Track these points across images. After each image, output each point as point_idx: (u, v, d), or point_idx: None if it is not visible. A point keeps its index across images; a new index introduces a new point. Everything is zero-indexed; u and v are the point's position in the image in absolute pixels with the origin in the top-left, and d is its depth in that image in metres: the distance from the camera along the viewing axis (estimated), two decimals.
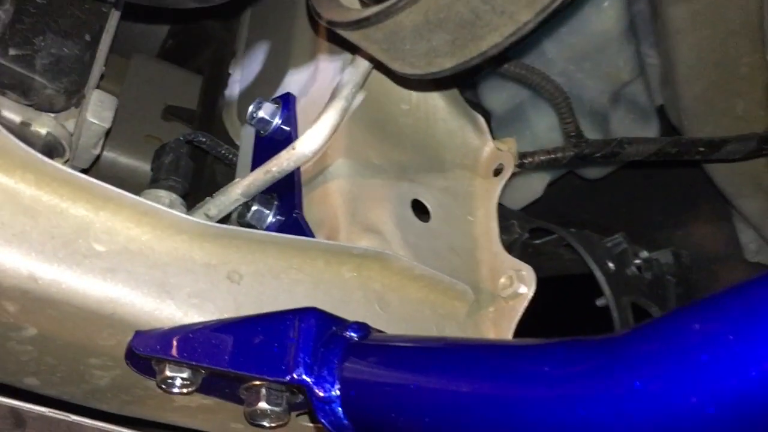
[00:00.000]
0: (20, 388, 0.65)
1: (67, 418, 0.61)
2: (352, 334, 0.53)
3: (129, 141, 1.14)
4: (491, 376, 0.40)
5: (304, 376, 0.50)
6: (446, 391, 0.43)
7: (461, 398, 0.42)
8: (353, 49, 0.69)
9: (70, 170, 0.54)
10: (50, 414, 0.60)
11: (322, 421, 0.50)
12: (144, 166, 1.12)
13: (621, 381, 0.34)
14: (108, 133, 1.09)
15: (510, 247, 1.05)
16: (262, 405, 0.59)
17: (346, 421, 0.49)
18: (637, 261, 1.24)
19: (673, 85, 1.04)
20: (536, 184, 1.17)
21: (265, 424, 0.61)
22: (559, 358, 0.38)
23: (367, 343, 0.52)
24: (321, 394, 0.50)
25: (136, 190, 0.98)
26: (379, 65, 0.67)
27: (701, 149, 0.87)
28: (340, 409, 0.49)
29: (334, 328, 0.53)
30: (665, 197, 1.34)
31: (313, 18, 0.57)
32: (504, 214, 1.06)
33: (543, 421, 0.38)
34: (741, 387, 0.31)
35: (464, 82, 0.92)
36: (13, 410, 0.59)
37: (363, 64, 0.71)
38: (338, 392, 0.50)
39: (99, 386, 0.64)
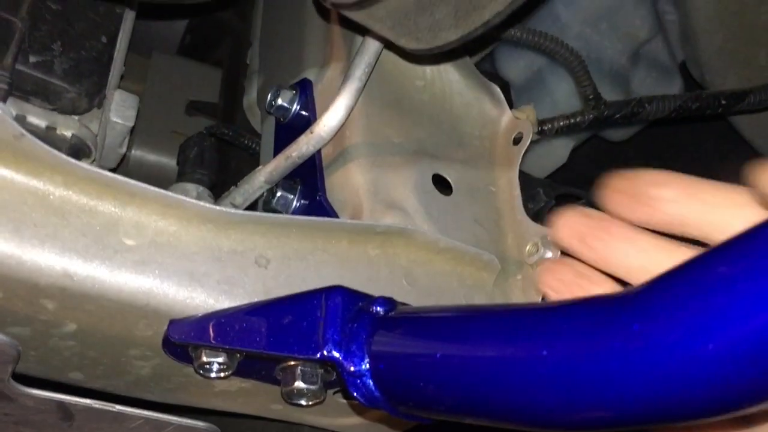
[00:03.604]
0: (66, 383, 0.67)
1: (112, 409, 0.63)
2: (379, 308, 0.54)
3: (155, 138, 1.16)
4: (509, 339, 0.41)
5: (334, 353, 0.51)
6: (468, 356, 0.44)
7: (484, 362, 0.42)
8: (363, 30, 0.69)
9: (95, 168, 0.56)
10: (96, 405, 0.63)
11: (355, 394, 0.51)
12: (171, 162, 1.14)
13: (634, 333, 0.35)
14: (132, 131, 1.12)
15: (537, 215, 1.05)
16: (298, 384, 0.61)
17: (377, 393, 0.51)
18: None
19: (692, 39, 1.03)
20: (560, 151, 1.17)
21: (303, 402, 0.63)
22: (577, 316, 0.39)
23: (393, 317, 0.53)
24: (351, 368, 0.51)
25: (166, 185, 1.00)
26: (388, 44, 0.68)
27: (723, 102, 0.86)
28: (370, 381, 0.51)
29: (360, 304, 0.54)
30: (694, 153, 1.33)
31: (319, 2, 0.58)
32: (529, 182, 1.05)
33: (566, 378, 0.39)
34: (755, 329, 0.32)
35: (475, 51, 0.91)
36: (60, 404, 0.61)
37: (373, 45, 0.72)
38: (368, 366, 0.51)
39: (141, 376, 0.66)
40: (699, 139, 1.31)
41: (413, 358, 0.48)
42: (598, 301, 0.39)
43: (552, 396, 0.40)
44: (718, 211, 0.46)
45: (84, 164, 0.55)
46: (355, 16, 0.56)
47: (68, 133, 0.66)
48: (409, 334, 0.50)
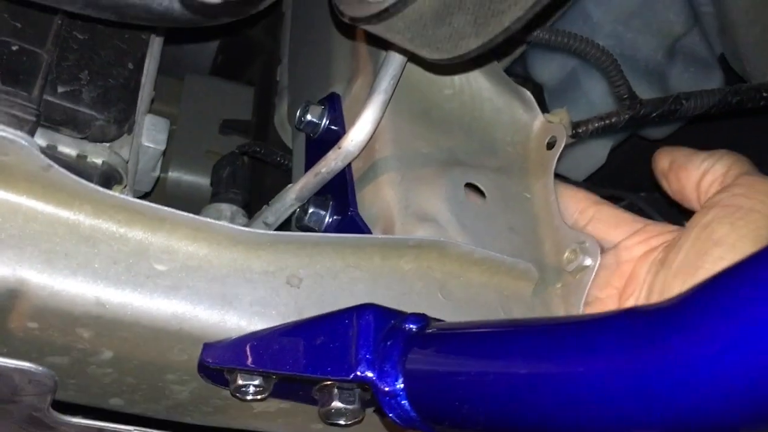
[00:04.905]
0: (108, 409, 0.68)
1: None
2: (411, 325, 0.53)
3: (191, 159, 1.17)
4: (544, 355, 0.40)
5: (367, 373, 0.51)
6: (503, 373, 0.42)
7: (519, 379, 0.41)
8: (387, 44, 0.68)
9: (123, 196, 0.56)
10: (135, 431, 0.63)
11: (390, 415, 0.50)
12: (207, 182, 1.15)
13: (673, 345, 0.33)
14: (168, 152, 1.13)
15: None
16: (336, 404, 0.60)
17: (413, 414, 0.50)
18: None
19: (730, 32, 0.99)
20: (598, 152, 1.14)
21: (341, 422, 0.62)
22: (612, 329, 0.37)
23: (426, 333, 0.52)
24: (386, 388, 0.50)
25: (203, 205, 1.01)
26: (412, 56, 0.67)
27: (765, 94, 0.83)
28: (405, 402, 0.50)
29: (392, 321, 0.53)
30: (738, 148, 1.28)
31: (339, 19, 0.58)
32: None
33: (605, 394, 0.37)
34: None
35: (503, 55, 0.90)
36: (100, 431, 0.62)
37: (398, 57, 0.71)
38: (402, 385, 0.50)
39: (180, 401, 0.66)
40: (742, 134, 1.26)
41: (448, 376, 0.47)
42: (634, 313, 0.38)
43: (591, 414, 0.38)
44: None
45: (111, 192, 0.55)
46: (374, 29, 0.55)
47: (99, 161, 0.66)
48: (443, 351, 0.49)
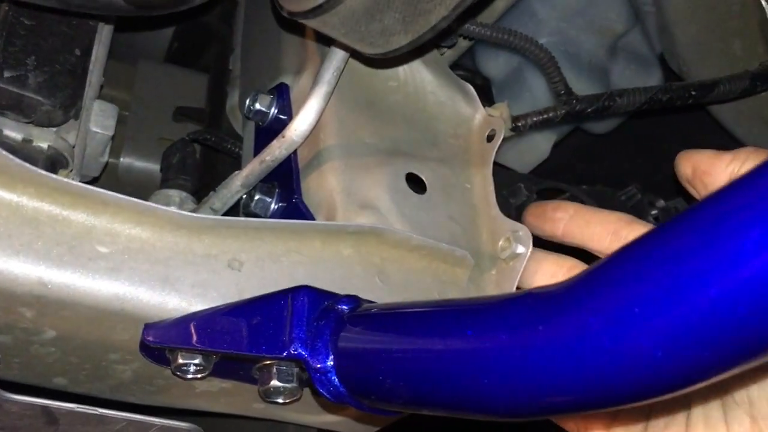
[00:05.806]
0: (52, 388, 0.69)
1: (95, 412, 0.65)
2: (344, 306, 0.55)
3: (143, 145, 1.17)
4: (454, 332, 0.43)
5: (300, 350, 0.53)
6: (417, 349, 0.45)
7: (431, 355, 0.44)
8: (329, 37, 0.71)
9: (67, 180, 0.57)
10: (79, 409, 0.65)
11: (321, 391, 0.53)
12: (159, 169, 1.16)
13: (561, 324, 0.36)
14: (121, 139, 1.13)
15: (518, 210, 1.06)
16: (274, 383, 0.63)
17: (342, 389, 0.52)
18: (654, 212, 1.23)
19: (667, 31, 1.04)
20: (542, 145, 1.18)
21: (279, 400, 0.65)
22: (513, 309, 0.40)
23: (356, 314, 0.54)
24: (317, 365, 0.53)
25: (154, 191, 1.02)
26: (353, 50, 0.69)
27: (693, 93, 0.87)
28: (335, 378, 0.52)
29: (326, 302, 0.56)
30: (679, 143, 1.33)
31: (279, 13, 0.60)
32: (511, 177, 1.07)
33: (504, 368, 0.40)
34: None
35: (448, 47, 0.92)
36: (44, 409, 0.63)
37: (340, 50, 0.73)
38: (332, 362, 0.53)
39: (123, 380, 0.68)
40: (684, 129, 1.31)
41: (373, 354, 0.50)
42: (534, 294, 0.41)
43: (495, 386, 0.42)
44: (591, 227, 0.71)
45: (55, 176, 0.57)
46: (310, 24, 0.57)
47: (44, 145, 0.68)
48: (369, 330, 0.52)
